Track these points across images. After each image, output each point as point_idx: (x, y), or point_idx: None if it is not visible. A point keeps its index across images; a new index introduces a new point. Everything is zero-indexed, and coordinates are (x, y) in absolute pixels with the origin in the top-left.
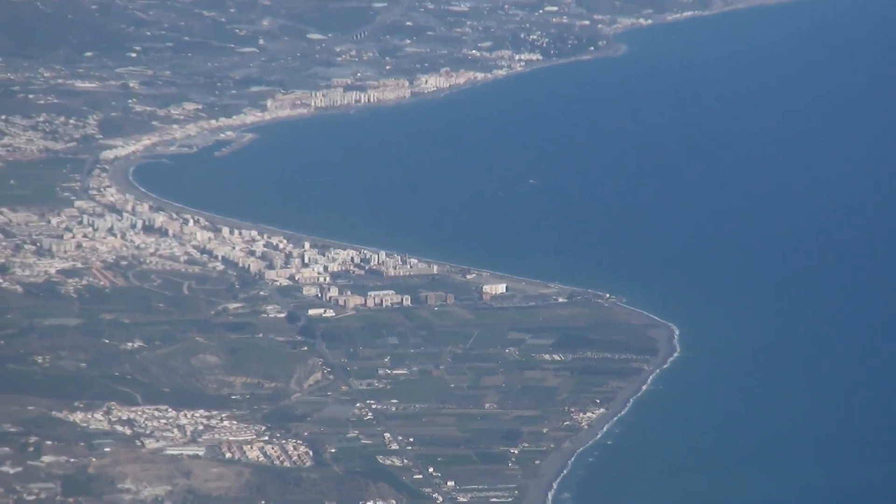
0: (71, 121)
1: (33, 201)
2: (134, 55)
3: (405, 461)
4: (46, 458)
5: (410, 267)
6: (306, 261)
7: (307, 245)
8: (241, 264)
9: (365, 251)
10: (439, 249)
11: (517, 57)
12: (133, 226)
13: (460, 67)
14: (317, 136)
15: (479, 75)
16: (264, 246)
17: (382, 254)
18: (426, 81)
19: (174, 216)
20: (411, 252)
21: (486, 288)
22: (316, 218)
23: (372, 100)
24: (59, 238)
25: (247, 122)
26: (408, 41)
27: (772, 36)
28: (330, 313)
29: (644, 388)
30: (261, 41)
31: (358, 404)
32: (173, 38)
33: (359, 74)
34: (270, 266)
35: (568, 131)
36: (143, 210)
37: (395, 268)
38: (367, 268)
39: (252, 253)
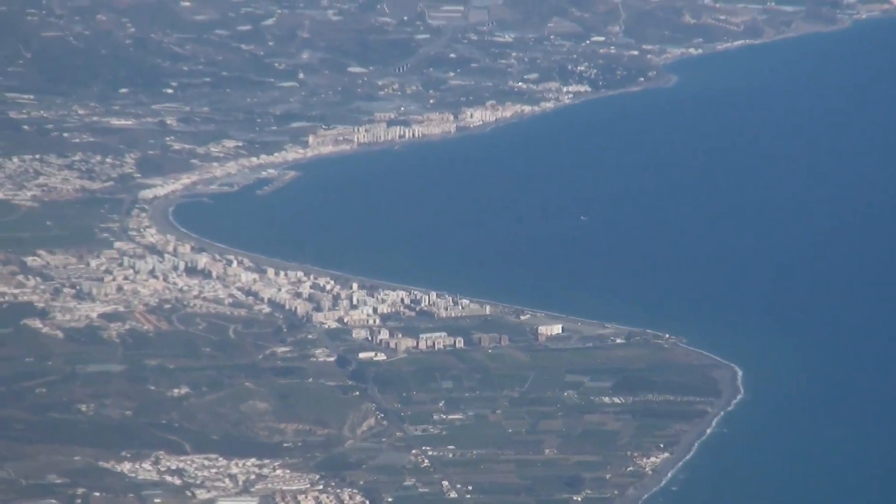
0: (108, 159)
1: (71, 243)
2: (170, 91)
3: None
4: None
5: (462, 308)
6: (355, 302)
7: (355, 286)
8: (287, 307)
9: (415, 292)
10: (491, 289)
11: (565, 89)
12: (175, 268)
13: (506, 100)
14: (361, 173)
15: (526, 108)
16: (311, 287)
17: (433, 294)
18: (471, 115)
19: (217, 257)
20: (462, 292)
21: (542, 329)
22: (363, 258)
23: (416, 135)
24: (100, 281)
25: (288, 159)
26: (451, 74)
27: (826, 64)
28: (381, 357)
29: (708, 431)
30: (301, 75)
31: (413, 451)
32: (211, 73)
33: (402, 109)
34: (318, 308)
35: (619, 165)
36: (184, 251)
37: (446, 309)
38: (417, 309)
39: (299, 295)
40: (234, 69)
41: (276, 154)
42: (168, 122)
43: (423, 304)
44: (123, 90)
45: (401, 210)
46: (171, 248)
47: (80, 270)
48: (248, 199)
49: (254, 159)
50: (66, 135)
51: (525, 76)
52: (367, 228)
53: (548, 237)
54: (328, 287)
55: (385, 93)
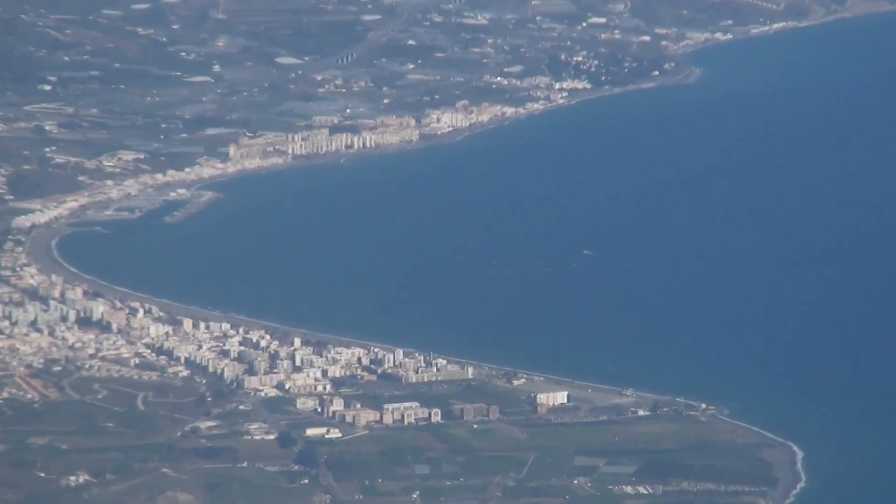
0: None
1: None
2: (48, 88)
3: None
4: None
5: (438, 370)
6: (298, 363)
7: (298, 342)
8: (211, 369)
9: (376, 349)
10: (474, 346)
11: (557, 85)
12: (64, 318)
13: (482, 100)
14: (298, 194)
15: (508, 110)
16: (241, 344)
17: (400, 352)
18: (438, 119)
19: (118, 304)
20: (438, 350)
21: (541, 397)
22: (307, 305)
23: (368, 144)
24: None
25: (204, 175)
26: (411, 66)
27: (892, 53)
28: (335, 434)
29: None
30: (216, 67)
31: None
32: (100, 65)
33: (348, 111)
34: (251, 371)
35: (628, 186)
36: (75, 297)
37: (417, 371)
38: (380, 371)
39: (225, 353)
40: (129, 60)
41: (187, 170)
42: (46, 127)
43: (386, 366)
44: None
45: (351, 243)
46: (57, 293)
47: None
48: (154, 228)
49: (159, 176)
50: None
51: (505, 69)
52: (309, 267)
53: (543, 278)
54: (263, 343)
55: (326, 90)
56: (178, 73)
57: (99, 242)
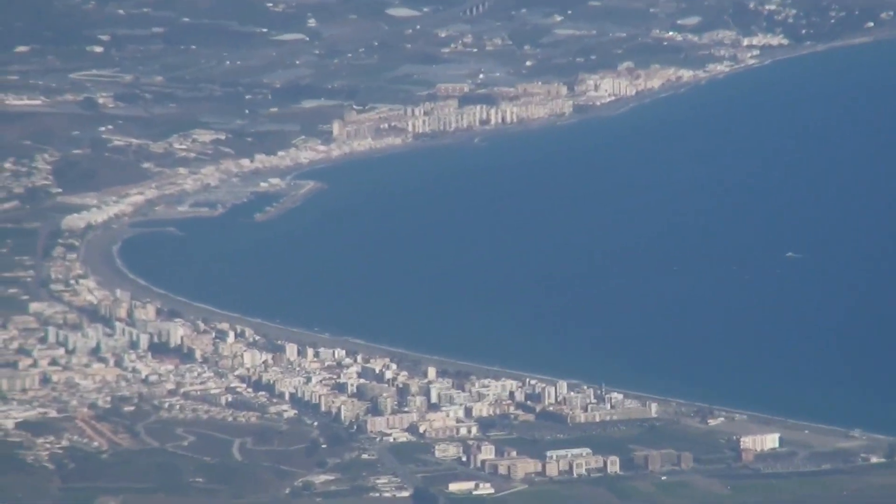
0: (5, 164)
1: None
2: (99, 50)
3: None
4: None
5: (612, 406)
6: (435, 399)
7: (432, 372)
8: (324, 407)
9: (532, 380)
10: (658, 376)
11: (745, 41)
12: (134, 344)
13: (651, 61)
14: (421, 185)
15: (685, 73)
16: (360, 375)
17: (563, 385)
18: (596, 86)
19: (201, 326)
20: (612, 381)
21: (746, 441)
22: (441, 325)
23: (508, 119)
24: (11, 367)
25: (301, 160)
26: (558, 18)
27: None
28: (486, 489)
29: None
30: (311, 21)
31: None
32: (164, 20)
33: (482, 76)
34: (375, 410)
35: (838, 173)
36: (146, 317)
37: (586, 408)
38: (538, 409)
39: (341, 388)
40: (201, 13)
41: (280, 153)
42: (99, 100)
43: (546, 402)
44: (22, 48)
45: (489, 245)
46: (123, 313)
47: None
48: (242, 227)
49: (245, 162)
50: None
51: (679, 21)
52: (438, 275)
53: (738, 287)
54: (388, 374)
55: (452, 50)
56: (265, 30)
57: (172, 247)
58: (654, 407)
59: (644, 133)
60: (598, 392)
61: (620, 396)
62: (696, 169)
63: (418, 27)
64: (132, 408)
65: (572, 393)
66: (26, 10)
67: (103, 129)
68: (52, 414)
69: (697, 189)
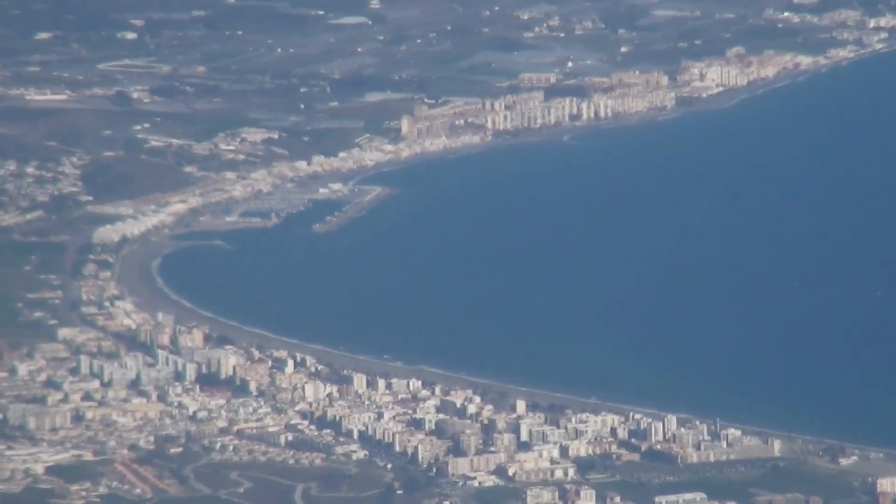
0: (28, 169)
1: None
2: (131, 36)
3: None
4: None
5: (729, 444)
6: (525, 437)
7: (522, 406)
8: (399, 447)
9: (636, 415)
10: (781, 409)
11: (871, 22)
12: (179, 375)
13: (764, 46)
14: (503, 190)
15: (803, 60)
16: (438, 409)
17: (671, 420)
18: (701, 75)
19: (255, 354)
20: (727, 415)
21: (883, 483)
22: (529, 351)
23: (602, 113)
24: (40, 403)
25: (366, 162)
26: None
27: None
28: None
29: None
30: (374, 3)
31: None
32: (205, 3)
33: (571, 65)
34: (457, 449)
35: None
36: (193, 344)
37: (699, 447)
38: (644, 447)
39: (418, 424)
40: None
41: (342, 154)
42: (134, 94)
43: (653, 439)
44: (43, 35)
45: (581, 258)
46: (165, 339)
47: None
48: (299, 240)
49: (301, 165)
50: None
51: (795, 0)
52: (524, 294)
53: (870, 307)
54: (471, 408)
55: (536, 34)
56: (321, 13)
57: (220, 263)
58: (776, 444)
59: (758, 129)
60: (713, 428)
61: (738, 433)
62: (818, 170)
63: (497, 9)
64: (179, 449)
65: (683, 429)
66: None
67: (138, 127)
68: (88, 457)
69: (821, 193)
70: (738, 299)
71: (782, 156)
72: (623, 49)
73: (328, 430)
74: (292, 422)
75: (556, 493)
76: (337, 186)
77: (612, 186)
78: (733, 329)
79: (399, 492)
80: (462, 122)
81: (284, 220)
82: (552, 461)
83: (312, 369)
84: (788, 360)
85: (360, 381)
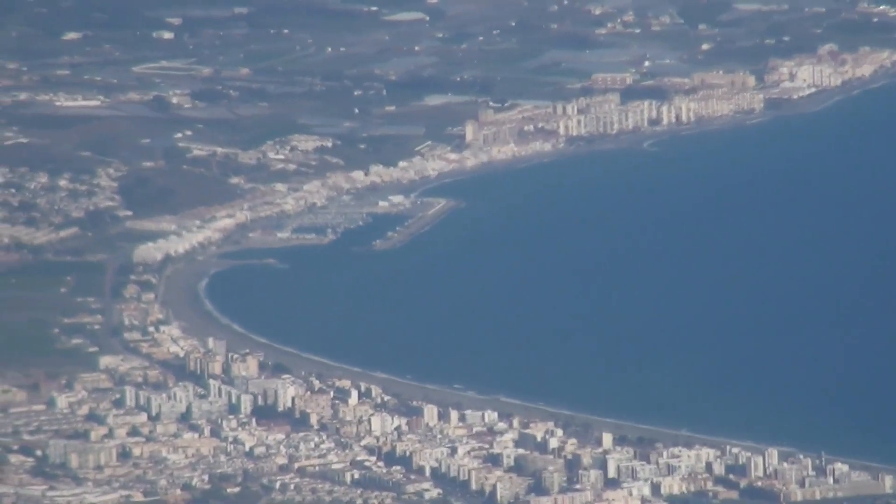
0: (60, 181)
1: (7, 358)
2: (168, 36)
3: None
4: None
5: (836, 480)
6: (613, 473)
7: (608, 439)
8: (475, 485)
9: (733, 448)
10: (892, 441)
11: None
12: (233, 408)
13: (859, 43)
14: (578, 202)
15: None
16: (517, 444)
17: (772, 453)
18: (791, 75)
19: (315, 384)
20: (833, 448)
21: None
22: (613, 380)
23: (684, 117)
24: (82, 439)
25: (429, 172)
26: None
27: None
28: None
29: None
30: None
31: None
32: None
33: (648, 64)
34: (539, 488)
35: None
36: (247, 373)
37: (803, 483)
38: (743, 484)
39: (495, 460)
40: None
41: (401, 164)
42: (173, 99)
43: (753, 475)
44: (72, 35)
45: (675, 280)
46: (217, 368)
47: (36, 419)
48: (359, 258)
49: (358, 175)
50: None
51: None
52: (612, 319)
53: None
54: (553, 442)
55: (609, 30)
56: (374, 8)
57: (273, 283)
58: (887, 480)
59: (856, 134)
60: (817, 462)
61: (845, 467)
62: None
63: (566, 3)
64: (236, 489)
65: (785, 464)
66: None
67: (179, 135)
68: (137, 497)
69: None
70: (844, 322)
71: (887, 162)
72: (704, 46)
73: (398, 467)
74: (358, 458)
75: None
76: (398, 199)
77: (699, 199)
78: (838, 354)
79: None
80: (531, 127)
81: (341, 237)
82: (643, 500)
83: (378, 400)
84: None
85: (430, 413)
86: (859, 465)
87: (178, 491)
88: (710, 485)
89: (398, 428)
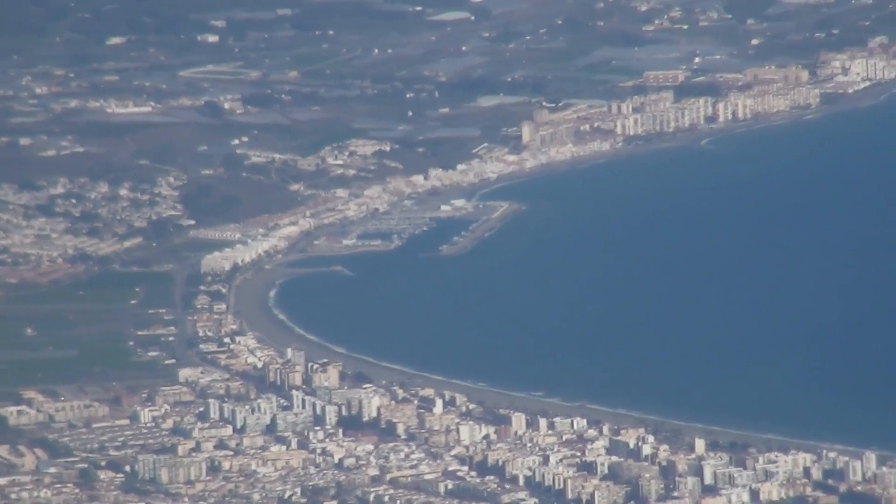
0: (121, 191)
1: (86, 373)
2: (213, 39)
3: None
4: None
5: None
6: (710, 479)
7: (701, 445)
8: (571, 494)
9: (830, 452)
10: None
11: None
12: (318, 419)
13: None
14: (647, 201)
15: None
16: (608, 451)
17: (871, 457)
18: (844, 68)
19: (399, 393)
20: None
21: None
22: (704, 384)
23: (740, 113)
24: (171, 453)
25: (488, 175)
26: None
27: None
28: None
29: None
30: None
31: None
32: (292, 0)
33: (698, 60)
34: (637, 496)
35: None
36: (329, 383)
37: None
38: (842, 489)
39: (588, 468)
40: None
41: (461, 167)
42: (225, 105)
43: (852, 479)
44: (116, 40)
45: (758, 279)
46: (298, 379)
47: (120, 433)
48: (427, 264)
49: (418, 179)
50: (23, 141)
51: None
52: (698, 321)
53: None
54: (646, 449)
55: (657, 27)
56: (419, 8)
57: (343, 291)
58: None
59: None
60: None
61: None
62: None
63: (611, 0)
64: (333, 502)
65: (884, 468)
66: None
67: (236, 141)
68: None
69: None
70: None
71: None
72: (754, 42)
73: (491, 477)
74: (450, 468)
75: None
76: (460, 203)
77: (768, 196)
78: None
79: None
80: (588, 127)
81: (407, 242)
82: None
83: (464, 409)
84: None
85: (518, 421)
86: None
87: None
88: (808, 490)
89: (487, 437)
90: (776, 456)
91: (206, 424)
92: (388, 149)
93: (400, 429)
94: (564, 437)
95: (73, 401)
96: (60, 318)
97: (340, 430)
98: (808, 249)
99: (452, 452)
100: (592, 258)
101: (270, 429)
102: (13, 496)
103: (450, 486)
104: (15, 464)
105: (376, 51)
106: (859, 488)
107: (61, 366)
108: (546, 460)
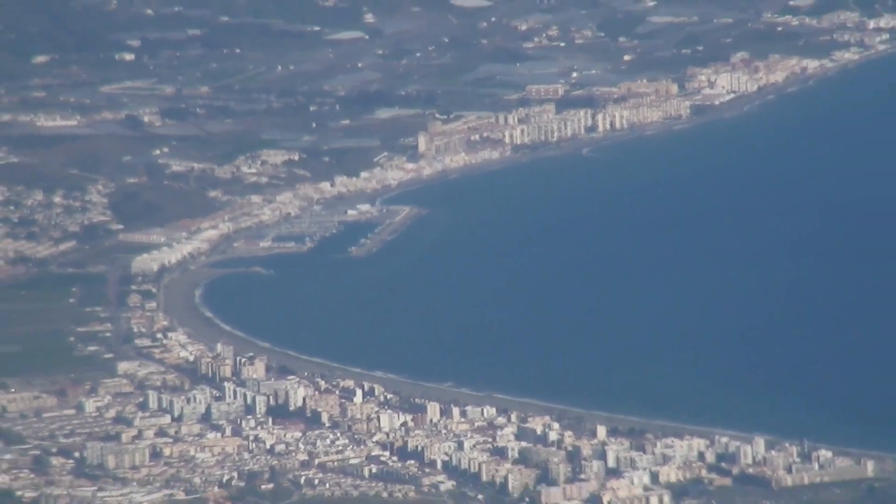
0: (55, 198)
1: (33, 367)
2: (129, 57)
3: None
4: None
5: (821, 466)
6: (613, 463)
7: (602, 431)
8: (486, 477)
9: (722, 438)
10: (872, 428)
11: (871, 24)
12: (249, 408)
13: (768, 50)
14: (538, 205)
15: (809, 64)
16: (517, 437)
17: (759, 442)
18: (711, 82)
19: (322, 384)
20: (816, 436)
21: None
22: (602, 374)
23: (617, 124)
24: (114, 441)
25: (389, 182)
26: (650, 2)
27: None
28: None
29: None
30: (368, 17)
31: None
32: (200, 20)
33: (576, 75)
34: (547, 478)
35: None
36: (257, 375)
37: (790, 469)
38: (734, 471)
39: (500, 452)
40: (241, 10)
41: (363, 174)
42: (145, 118)
43: (743, 462)
44: (41, 58)
45: (642, 276)
46: (227, 371)
47: (67, 422)
48: (338, 264)
49: (325, 186)
50: None
51: (791, 2)
52: (588, 316)
53: None
54: (552, 435)
55: (536, 45)
56: (316, 28)
57: (264, 290)
58: (869, 465)
59: (781, 136)
60: (802, 449)
61: (829, 454)
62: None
63: (493, 19)
64: (269, 485)
65: (772, 451)
66: (40, 11)
67: (157, 152)
68: (180, 496)
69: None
70: (816, 315)
71: (815, 163)
72: (626, 57)
73: (412, 461)
74: (373, 453)
75: None
76: (365, 207)
77: (653, 201)
78: (813, 345)
79: None
80: (478, 137)
81: (319, 244)
82: (645, 488)
83: (382, 398)
84: (874, 376)
85: (433, 410)
86: (841, 451)
87: (217, 489)
88: (704, 472)
89: (405, 424)
90: (672, 441)
91: (147, 414)
92: (296, 158)
93: (324, 417)
94: (476, 425)
95: (22, 392)
96: (3, 317)
97: (270, 419)
98: (693, 250)
99: (374, 439)
100: (493, 258)
101: (205, 417)
102: None
103: (374, 470)
104: None
105: (279, 67)
106: (750, 470)
107: (8, 360)
108: (461, 446)
